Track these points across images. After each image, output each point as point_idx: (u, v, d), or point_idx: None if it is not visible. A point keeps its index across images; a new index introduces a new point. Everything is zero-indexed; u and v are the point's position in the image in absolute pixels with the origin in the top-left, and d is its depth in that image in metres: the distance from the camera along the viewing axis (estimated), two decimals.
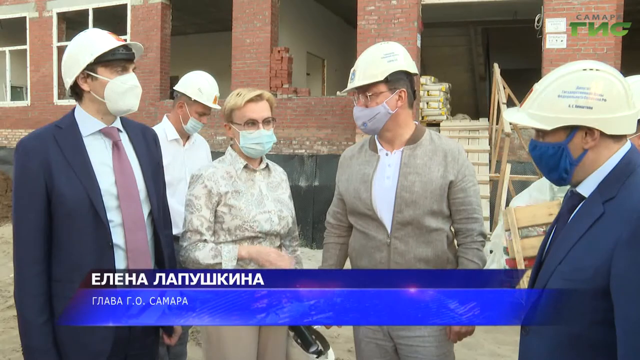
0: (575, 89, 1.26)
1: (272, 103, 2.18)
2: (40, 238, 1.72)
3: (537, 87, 1.35)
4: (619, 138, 1.28)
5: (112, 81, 1.78)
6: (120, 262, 1.79)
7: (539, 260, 1.41)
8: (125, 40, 1.86)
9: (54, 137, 1.76)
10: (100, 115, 1.83)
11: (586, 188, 1.30)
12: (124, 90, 1.79)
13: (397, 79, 1.99)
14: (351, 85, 2.02)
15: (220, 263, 2.00)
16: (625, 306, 1.13)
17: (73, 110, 1.86)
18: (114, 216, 1.78)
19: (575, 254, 1.24)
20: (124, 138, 1.89)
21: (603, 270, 1.16)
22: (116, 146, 1.84)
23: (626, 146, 1.29)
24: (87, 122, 1.82)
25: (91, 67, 1.77)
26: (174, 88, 3.02)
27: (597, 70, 1.28)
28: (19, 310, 1.73)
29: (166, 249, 1.94)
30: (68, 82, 1.82)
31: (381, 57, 2.00)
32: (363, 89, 2.00)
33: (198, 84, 2.90)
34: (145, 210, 1.87)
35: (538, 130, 1.34)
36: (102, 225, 1.74)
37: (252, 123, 2.10)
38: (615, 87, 1.26)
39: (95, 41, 1.79)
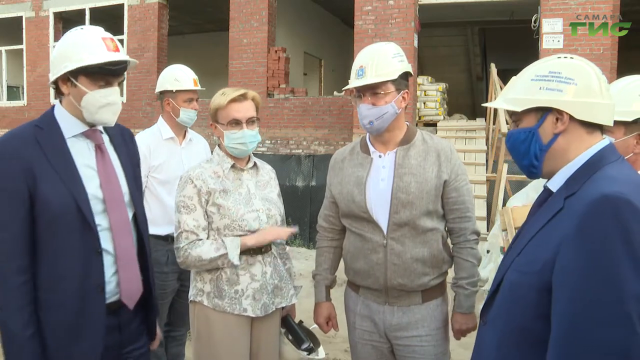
0: (548, 73, 1.27)
1: (257, 102, 2.15)
2: (24, 246, 1.61)
3: (515, 76, 1.37)
4: (591, 129, 1.25)
5: (91, 93, 1.68)
6: (109, 267, 1.73)
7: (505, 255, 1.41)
8: (122, 41, 1.82)
9: (35, 139, 1.66)
10: (80, 118, 1.75)
11: (555, 183, 1.28)
12: (102, 105, 1.70)
13: (402, 80, 1.99)
14: (362, 81, 1.95)
15: (226, 254, 1.97)
16: (563, 299, 1.11)
17: (52, 108, 1.78)
18: (100, 220, 1.71)
19: (531, 247, 1.24)
20: (105, 140, 1.83)
21: (550, 264, 1.14)
22: (99, 149, 1.78)
23: (601, 143, 1.25)
24: (69, 123, 1.74)
25: (74, 73, 1.68)
26: (156, 92, 3.08)
27: (571, 58, 1.28)
28: (3, 323, 1.61)
29: (150, 252, 1.91)
30: (50, 78, 1.75)
31: (392, 57, 1.97)
32: (373, 87, 1.95)
33: (173, 76, 2.97)
34: (130, 213, 1.83)
35: (513, 119, 1.34)
36: (90, 230, 1.67)
37: (236, 123, 2.08)
38: (587, 74, 1.25)
39: (85, 48, 1.68)
